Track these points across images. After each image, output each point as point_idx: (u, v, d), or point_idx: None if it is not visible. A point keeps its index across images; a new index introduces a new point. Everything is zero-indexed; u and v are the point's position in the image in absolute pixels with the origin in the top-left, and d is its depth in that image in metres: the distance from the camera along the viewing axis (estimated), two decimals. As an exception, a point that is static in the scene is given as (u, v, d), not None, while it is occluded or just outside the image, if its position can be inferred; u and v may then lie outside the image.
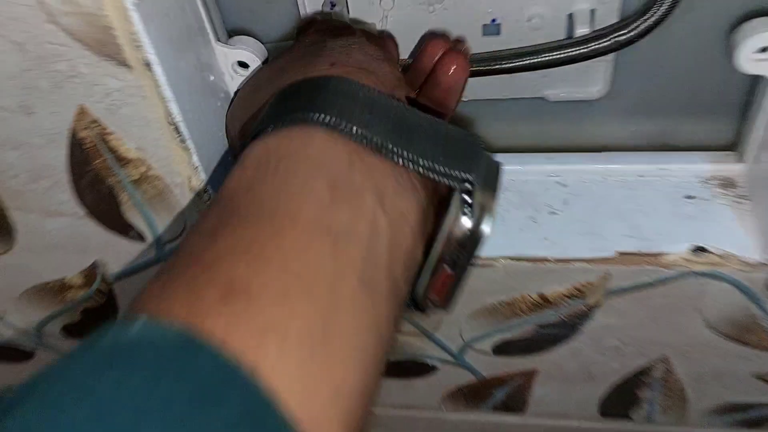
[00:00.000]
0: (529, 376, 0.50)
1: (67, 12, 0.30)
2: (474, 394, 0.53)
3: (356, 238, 0.24)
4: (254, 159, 0.27)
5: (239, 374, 0.18)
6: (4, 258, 0.45)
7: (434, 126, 0.29)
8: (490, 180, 0.28)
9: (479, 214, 0.27)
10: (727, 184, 0.42)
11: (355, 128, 0.27)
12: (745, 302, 0.41)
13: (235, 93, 0.39)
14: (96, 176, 0.38)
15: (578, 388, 0.51)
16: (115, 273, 0.45)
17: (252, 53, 0.39)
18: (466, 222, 0.27)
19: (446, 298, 0.30)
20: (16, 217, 0.42)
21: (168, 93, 0.33)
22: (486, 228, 0.27)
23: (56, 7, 0.30)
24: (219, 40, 0.38)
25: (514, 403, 0.54)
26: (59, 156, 0.37)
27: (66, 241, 0.43)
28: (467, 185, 0.27)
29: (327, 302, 0.22)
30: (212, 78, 0.38)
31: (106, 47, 0.31)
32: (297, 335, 0.20)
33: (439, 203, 0.29)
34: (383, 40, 0.38)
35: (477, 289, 0.43)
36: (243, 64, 0.39)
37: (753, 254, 0.38)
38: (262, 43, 0.41)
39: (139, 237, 0.42)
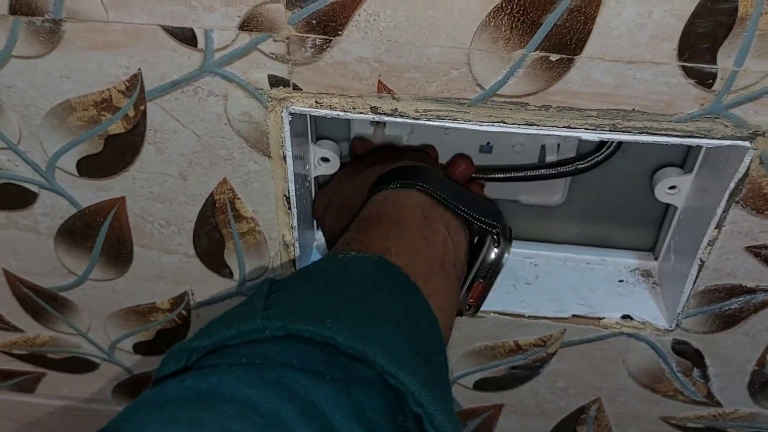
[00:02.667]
0: (497, 409, 0.66)
1: (242, 120, 0.46)
2: (452, 423, 0.69)
3: (436, 245, 0.43)
4: (378, 201, 0.47)
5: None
6: (112, 283, 0.59)
7: (471, 195, 0.50)
8: (508, 231, 0.48)
9: (503, 248, 0.46)
10: (646, 274, 0.60)
11: (434, 191, 0.46)
12: (656, 358, 0.58)
13: (319, 184, 0.57)
14: (214, 227, 0.53)
15: (533, 422, 0.67)
16: (198, 302, 0.60)
17: (332, 151, 0.56)
18: (495, 252, 0.47)
19: (478, 301, 0.49)
20: (138, 252, 0.56)
21: (291, 176, 0.49)
22: (504, 258, 0.47)
23: (235, 116, 0.46)
24: (312, 141, 0.55)
25: (482, 433, 0.69)
26: (194, 210, 0.53)
27: (170, 274, 0.57)
28: (497, 230, 0.47)
29: (427, 268, 0.41)
30: (306, 167, 0.54)
31: (259, 143, 0.48)
32: (418, 273, 0.39)
33: (476, 243, 0.49)
34: (429, 149, 0.58)
35: (470, 335, 0.60)
36: (325, 159, 0.56)
37: (662, 323, 0.56)
38: (337, 144, 0.58)
39: (230, 275, 0.57)
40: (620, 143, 0.55)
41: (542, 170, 0.59)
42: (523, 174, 0.60)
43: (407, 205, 0.46)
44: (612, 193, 0.60)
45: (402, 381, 0.30)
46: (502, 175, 0.61)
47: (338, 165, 0.56)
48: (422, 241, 0.43)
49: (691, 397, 0.61)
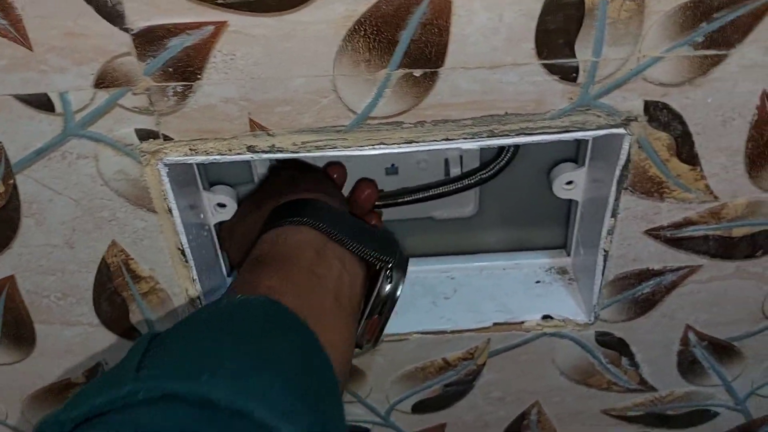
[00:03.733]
0: (439, 430, 0.65)
1: (117, 179, 0.45)
2: (399, 451, 0.67)
3: (329, 280, 0.43)
4: (269, 239, 0.46)
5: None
6: (19, 365, 0.56)
7: (365, 227, 0.49)
8: (402, 263, 0.48)
9: (396, 282, 0.46)
10: (562, 271, 0.60)
11: (326, 227, 0.45)
12: (583, 353, 0.58)
13: (220, 223, 0.55)
14: (113, 292, 0.51)
15: (478, 436, 0.66)
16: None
17: (228, 196, 0.54)
18: (388, 286, 0.46)
19: (376, 336, 0.48)
20: (39, 329, 0.54)
21: (180, 228, 0.47)
22: (398, 291, 0.47)
23: (110, 176, 0.45)
24: (204, 188, 0.54)
25: (431, 456, 0.68)
26: (88, 278, 0.50)
27: (78, 347, 0.55)
28: (389, 264, 0.46)
29: (318, 304, 0.40)
30: (201, 215, 0.53)
31: (141, 199, 0.46)
32: (308, 311, 0.38)
33: (372, 275, 0.47)
34: (335, 169, 0.57)
35: (397, 359, 0.59)
36: (221, 205, 0.54)
37: (582, 318, 0.56)
38: (233, 188, 0.57)
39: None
40: (517, 147, 0.55)
41: (448, 186, 0.59)
42: (430, 193, 0.60)
43: (298, 242, 0.44)
44: (519, 196, 0.60)
45: None
46: (408, 198, 0.60)
47: (235, 208, 0.55)
48: (314, 278, 0.42)
49: (626, 386, 0.61)
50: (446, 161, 0.59)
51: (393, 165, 0.60)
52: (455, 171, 0.59)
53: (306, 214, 0.46)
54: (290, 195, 0.50)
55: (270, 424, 0.29)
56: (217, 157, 0.44)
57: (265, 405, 0.29)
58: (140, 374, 0.31)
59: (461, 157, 0.59)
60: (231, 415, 0.29)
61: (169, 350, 0.33)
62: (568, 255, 0.61)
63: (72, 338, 0.54)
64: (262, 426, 0.29)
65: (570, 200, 0.58)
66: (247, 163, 0.57)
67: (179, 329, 0.36)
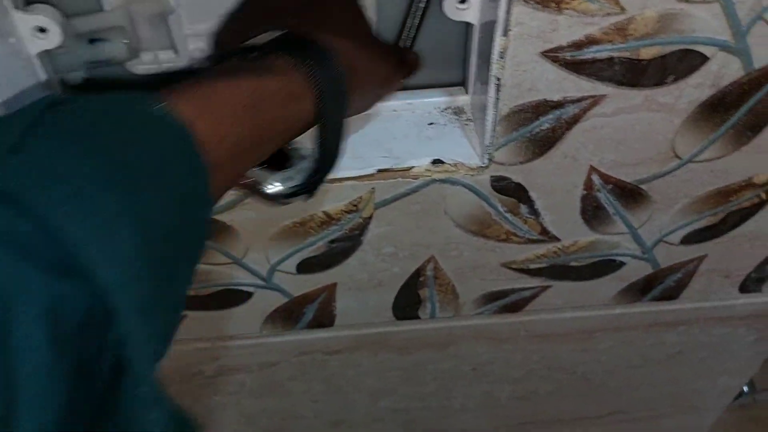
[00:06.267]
0: (330, 290, 0.60)
1: None
2: (288, 314, 0.62)
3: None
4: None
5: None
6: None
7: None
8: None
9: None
10: (459, 111, 0.53)
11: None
12: (478, 201, 0.53)
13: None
14: None
15: (372, 295, 0.61)
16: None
17: (49, 18, 0.44)
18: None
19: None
20: None
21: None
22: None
23: None
24: (17, 8, 0.44)
25: (324, 318, 0.63)
26: None
27: None
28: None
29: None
30: (12, 41, 0.43)
31: None
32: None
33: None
34: None
35: (274, 215, 0.52)
36: (42, 29, 0.45)
37: (475, 161, 0.50)
38: (59, 10, 0.46)
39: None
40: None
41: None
42: None
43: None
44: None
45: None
46: None
47: (61, 36, 0.45)
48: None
49: (526, 237, 0.56)
50: None
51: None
52: None
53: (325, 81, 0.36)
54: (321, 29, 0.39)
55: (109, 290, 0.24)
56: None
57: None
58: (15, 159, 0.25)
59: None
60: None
61: (50, 142, 0.26)
62: (466, 93, 0.53)
63: None
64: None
65: (467, 26, 0.50)
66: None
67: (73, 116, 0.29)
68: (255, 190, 0.40)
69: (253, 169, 0.39)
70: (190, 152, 0.30)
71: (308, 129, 0.38)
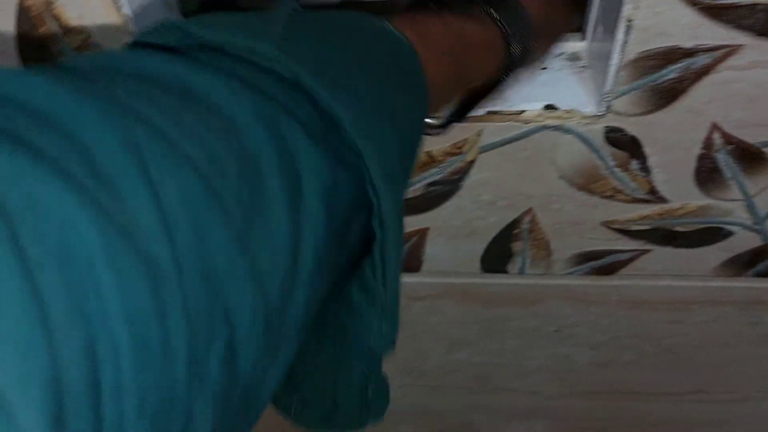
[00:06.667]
0: (422, 234, 0.60)
1: None
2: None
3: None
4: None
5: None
6: None
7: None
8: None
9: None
10: (574, 57, 0.51)
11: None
12: (588, 153, 0.51)
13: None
14: (41, 45, 0.44)
15: (464, 244, 0.60)
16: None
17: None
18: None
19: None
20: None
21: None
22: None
23: None
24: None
25: (412, 263, 0.63)
26: (7, 25, 0.43)
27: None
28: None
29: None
30: (142, -42, 0.44)
31: None
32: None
33: None
34: None
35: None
36: (169, -51, 0.45)
37: (590, 109, 0.48)
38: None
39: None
40: None
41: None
42: None
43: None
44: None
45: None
46: None
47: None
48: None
49: (633, 195, 0.54)
50: None
51: None
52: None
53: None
54: None
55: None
56: None
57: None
58: (284, 45, 0.27)
59: None
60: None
61: (312, 39, 0.28)
62: (583, 39, 0.51)
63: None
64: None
65: (592, -33, 0.47)
66: None
67: (322, 20, 0.31)
68: None
69: None
70: (418, 72, 0.32)
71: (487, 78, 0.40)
